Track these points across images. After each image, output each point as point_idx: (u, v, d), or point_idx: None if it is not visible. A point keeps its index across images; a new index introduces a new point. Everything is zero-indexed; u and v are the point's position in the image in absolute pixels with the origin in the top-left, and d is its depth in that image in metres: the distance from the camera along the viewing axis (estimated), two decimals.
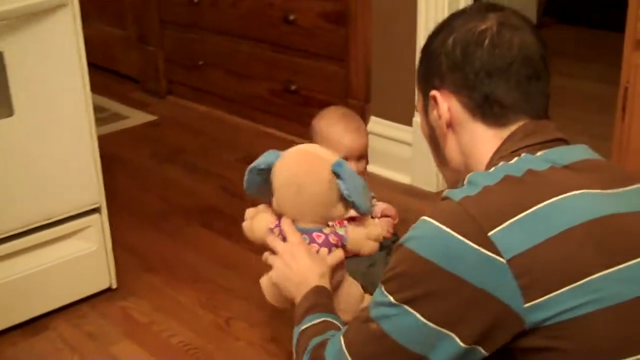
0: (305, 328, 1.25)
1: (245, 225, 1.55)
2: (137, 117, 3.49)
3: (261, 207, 1.55)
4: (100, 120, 3.39)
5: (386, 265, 1.07)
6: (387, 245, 2.15)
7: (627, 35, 1.56)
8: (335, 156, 1.41)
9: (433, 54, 1.16)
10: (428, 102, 1.18)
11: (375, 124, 2.77)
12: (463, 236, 0.97)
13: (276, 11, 3.04)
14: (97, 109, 3.52)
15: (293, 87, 3.06)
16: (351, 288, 1.50)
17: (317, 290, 1.34)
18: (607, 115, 3.30)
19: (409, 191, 2.65)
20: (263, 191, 1.47)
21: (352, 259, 2.04)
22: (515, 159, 1.06)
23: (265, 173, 1.44)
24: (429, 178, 2.63)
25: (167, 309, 2.01)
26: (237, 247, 2.28)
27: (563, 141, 1.12)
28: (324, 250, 1.42)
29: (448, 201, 1.03)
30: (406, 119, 2.66)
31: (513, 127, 1.11)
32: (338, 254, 1.44)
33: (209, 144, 3.15)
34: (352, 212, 1.48)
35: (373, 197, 2.21)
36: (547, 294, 0.95)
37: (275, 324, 1.91)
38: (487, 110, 1.11)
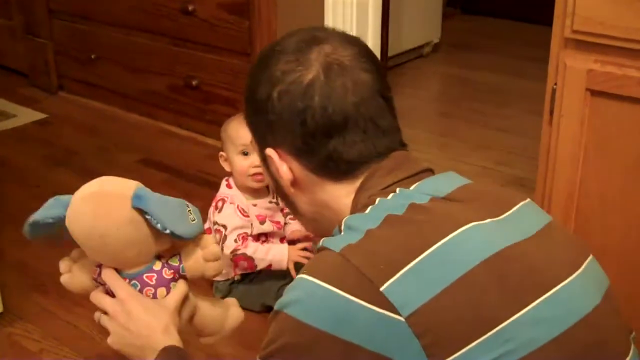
0: None
1: (64, 280, 1.30)
2: (25, 115, 3.25)
3: (74, 254, 1.31)
4: None
5: None
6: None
7: (555, 32, 1.47)
8: (132, 187, 1.18)
9: (260, 107, 1.03)
10: (265, 156, 1.06)
11: None
12: (351, 294, 0.85)
13: (173, 1, 2.88)
14: None
15: (194, 83, 2.91)
16: (206, 310, 1.32)
17: (164, 354, 1.15)
18: (509, 109, 3.31)
19: None
20: (56, 236, 1.24)
21: (265, 280, 1.93)
22: (391, 195, 0.96)
23: (55, 226, 1.20)
24: None
25: (60, 335, 1.84)
26: None
27: (430, 171, 1.04)
28: (162, 290, 1.23)
29: (327, 252, 0.90)
30: None
31: (366, 173, 1.02)
32: (179, 290, 1.24)
33: (106, 145, 2.95)
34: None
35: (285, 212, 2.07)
36: (455, 352, 0.84)
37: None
38: (333, 169, 1.01)
